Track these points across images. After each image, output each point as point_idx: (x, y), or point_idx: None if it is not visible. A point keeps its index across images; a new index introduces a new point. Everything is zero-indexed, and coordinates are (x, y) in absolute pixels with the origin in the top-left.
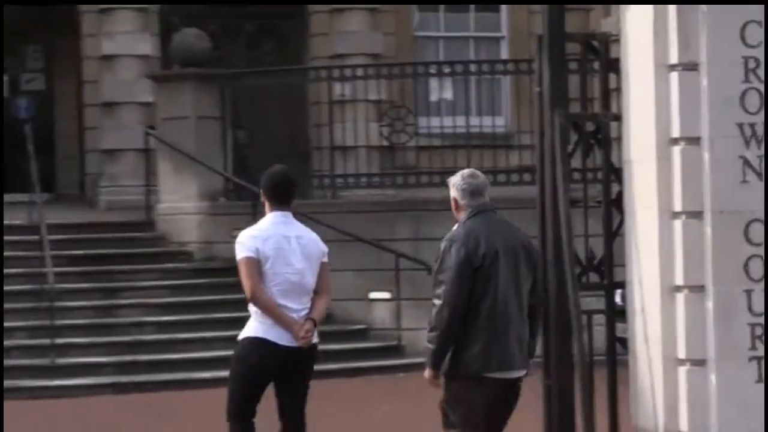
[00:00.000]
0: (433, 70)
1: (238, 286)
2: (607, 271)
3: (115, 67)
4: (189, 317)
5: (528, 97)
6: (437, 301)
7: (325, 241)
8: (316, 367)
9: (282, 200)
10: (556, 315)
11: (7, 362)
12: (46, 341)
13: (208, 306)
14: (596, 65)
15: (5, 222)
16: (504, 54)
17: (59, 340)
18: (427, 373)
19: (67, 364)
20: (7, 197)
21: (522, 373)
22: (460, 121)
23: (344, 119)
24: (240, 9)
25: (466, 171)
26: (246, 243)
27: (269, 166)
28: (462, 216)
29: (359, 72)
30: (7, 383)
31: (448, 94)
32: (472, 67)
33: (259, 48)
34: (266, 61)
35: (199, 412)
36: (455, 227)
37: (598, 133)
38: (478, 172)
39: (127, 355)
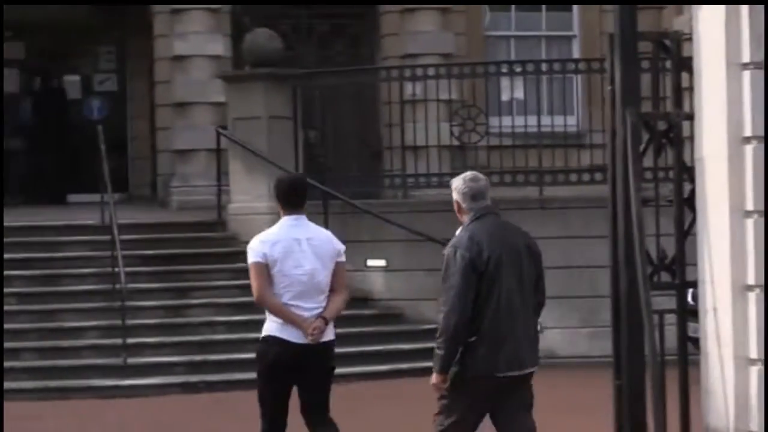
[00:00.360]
0: (504, 69)
1: None
2: (679, 270)
3: (187, 67)
4: (259, 317)
5: (599, 96)
6: (444, 308)
7: (396, 240)
8: (386, 367)
9: (292, 205)
10: (627, 314)
11: (79, 361)
12: (118, 341)
13: None
14: (668, 64)
15: (78, 222)
16: (575, 53)
17: (131, 340)
18: (434, 377)
19: (138, 364)
20: (80, 197)
21: (531, 369)
22: (532, 120)
23: (415, 119)
24: (311, 9)
25: (468, 174)
26: (255, 248)
27: (340, 166)
28: (465, 219)
29: (431, 72)
30: (79, 382)
31: (520, 94)
32: (544, 67)
33: (330, 48)
34: (337, 61)
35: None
36: (458, 230)
37: (669, 131)
38: (480, 175)
39: (197, 354)
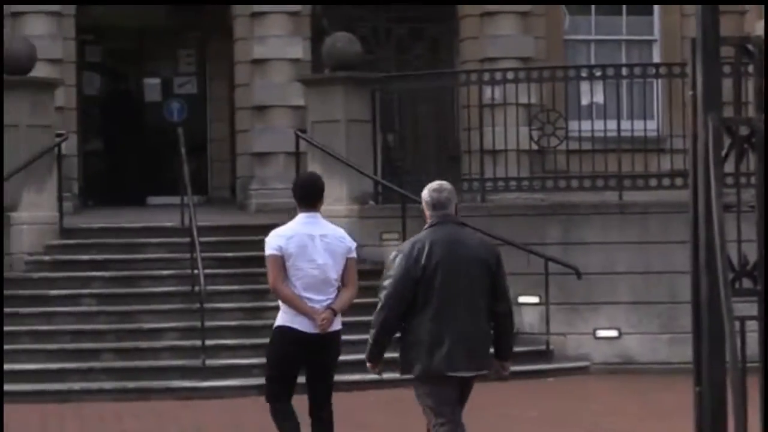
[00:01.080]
0: (584, 73)
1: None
2: (761, 276)
3: (267, 70)
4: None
5: (680, 101)
6: (379, 305)
7: None
8: None
9: (308, 203)
10: (708, 321)
11: (157, 363)
12: (197, 342)
13: (357, 308)
14: (750, 68)
15: (158, 224)
16: (656, 57)
17: (209, 342)
18: (368, 365)
19: (216, 366)
20: (160, 200)
21: (470, 374)
22: (611, 124)
23: (494, 123)
24: (391, 13)
25: (433, 184)
26: (271, 242)
27: (419, 169)
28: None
29: (510, 75)
30: (157, 383)
31: (599, 98)
32: (624, 71)
33: (409, 52)
34: (416, 64)
35: (347, 414)
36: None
37: (752, 137)
38: (445, 185)
39: None
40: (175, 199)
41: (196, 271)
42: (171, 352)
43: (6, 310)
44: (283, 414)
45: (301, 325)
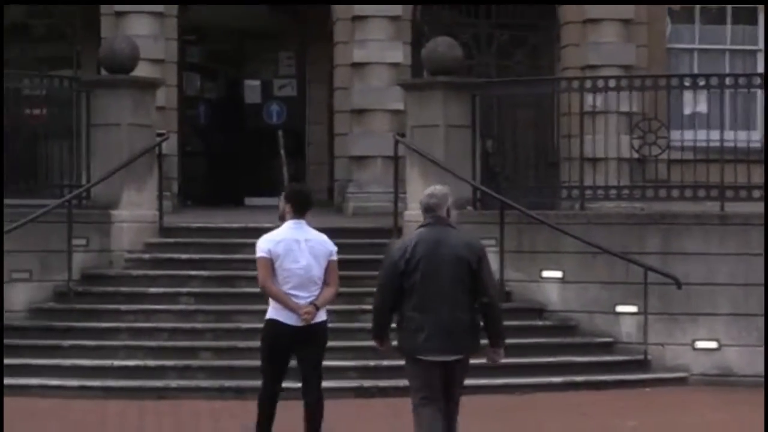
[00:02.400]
0: (687, 82)
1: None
2: None
3: (367, 74)
4: None
5: None
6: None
7: (571, 252)
8: (560, 379)
9: (300, 212)
10: None
11: (254, 362)
12: None
13: None
14: None
15: (255, 224)
16: (760, 67)
17: None
18: (375, 343)
19: None
20: (258, 200)
21: (452, 358)
22: (714, 134)
23: (595, 130)
24: (491, 19)
25: (428, 189)
26: (261, 246)
27: (517, 176)
28: None
29: (611, 83)
30: (255, 383)
31: (702, 107)
32: (728, 80)
33: (510, 58)
34: (517, 70)
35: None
36: None
37: None
38: (437, 191)
39: (371, 359)
40: (273, 201)
41: None
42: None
43: (106, 306)
44: (263, 395)
45: (288, 318)
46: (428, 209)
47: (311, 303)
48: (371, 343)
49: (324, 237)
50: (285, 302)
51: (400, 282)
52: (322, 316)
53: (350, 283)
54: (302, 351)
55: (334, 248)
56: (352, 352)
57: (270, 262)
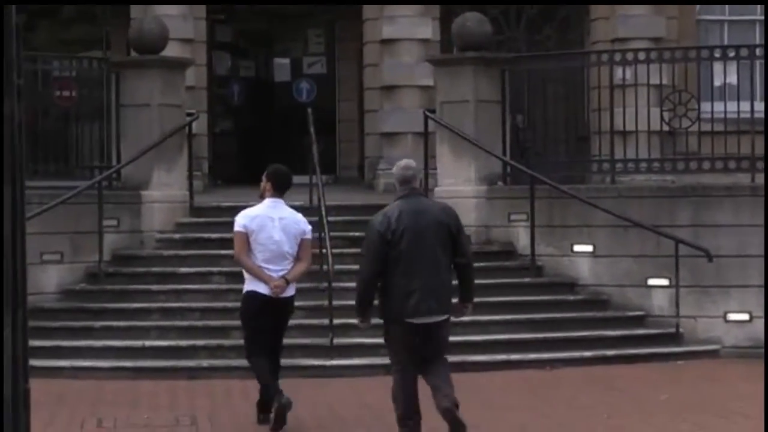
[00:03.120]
0: (717, 54)
1: (515, 270)
2: None
3: (396, 50)
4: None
5: None
6: (360, 268)
7: (603, 226)
8: (592, 353)
9: (278, 190)
10: None
11: (286, 341)
12: (325, 321)
13: (485, 289)
14: None
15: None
16: None
17: (337, 321)
18: (357, 318)
19: (344, 344)
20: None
21: (438, 319)
22: (744, 106)
23: (625, 104)
24: None
25: (402, 162)
26: (238, 221)
27: (547, 151)
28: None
29: (641, 56)
30: (286, 361)
31: (732, 79)
32: (758, 51)
33: (539, 32)
34: (547, 45)
35: (474, 394)
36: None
37: None
38: (411, 164)
39: None
40: (304, 179)
41: (324, 251)
42: (299, 330)
43: (137, 287)
44: (258, 366)
45: (261, 289)
46: (405, 181)
47: (282, 277)
48: None
49: (299, 216)
50: (257, 274)
51: (386, 252)
52: (291, 290)
53: None
54: (272, 320)
55: (308, 227)
56: (380, 328)
57: (245, 237)
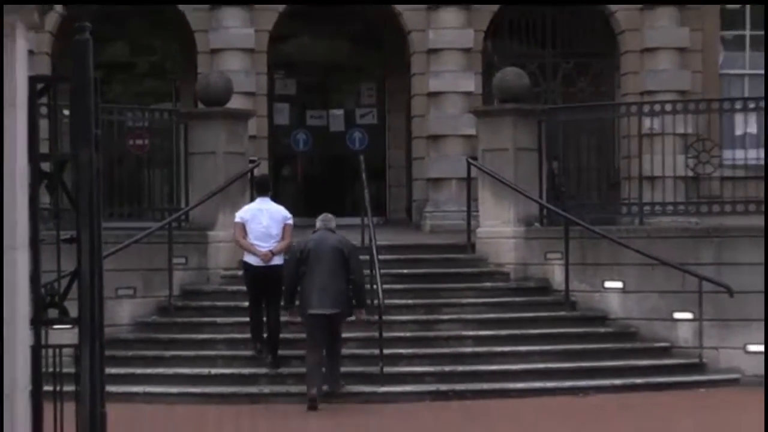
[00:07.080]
0: (738, 105)
1: (551, 305)
2: None
3: (441, 102)
4: (505, 332)
5: None
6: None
7: (631, 264)
8: (622, 381)
9: (259, 191)
10: None
11: (341, 369)
12: (375, 351)
13: (522, 322)
14: None
15: None
16: None
17: (387, 351)
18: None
19: (393, 373)
20: (343, 220)
21: (332, 311)
22: (763, 153)
23: (653, 151)
24: (557, 50)
25: (322, 215)
26: (237, 214)
27: (581, 195)
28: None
29: (668, 107)
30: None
31: (753, 128)
32: None
33: (573, 85)
34: (580, 97)
35: (514, 420)
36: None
37: None
38: (329, 216)
39: (447, 365)
40: (356, 220)
41: (375, 286)
42: (352, 359)
43: (204, 319)
44: (253, 322)
45: (254, 260)
46: (321, 224)
47: (269, 250)
48: (447, 350)
49: (281, 208)
50: (250, 249)
51: (298, 267)
52: (277, 260)
53: (429, 294)
54: (265, 285)
55: (288, 215)
56: (429, 358)
57: (242, 225)
